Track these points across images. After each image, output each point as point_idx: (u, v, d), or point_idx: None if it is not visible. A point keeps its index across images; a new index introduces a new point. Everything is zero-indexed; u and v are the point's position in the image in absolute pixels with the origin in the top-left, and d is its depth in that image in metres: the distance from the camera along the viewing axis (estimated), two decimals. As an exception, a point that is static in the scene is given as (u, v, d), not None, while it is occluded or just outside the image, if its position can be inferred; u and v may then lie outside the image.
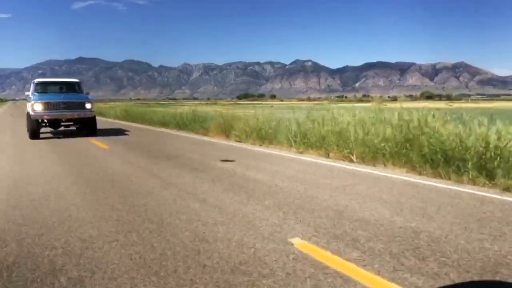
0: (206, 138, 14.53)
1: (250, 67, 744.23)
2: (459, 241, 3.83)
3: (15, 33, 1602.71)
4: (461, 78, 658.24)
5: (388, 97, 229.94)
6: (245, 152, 10.72)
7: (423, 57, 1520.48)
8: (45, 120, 14.17)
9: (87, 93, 16.44)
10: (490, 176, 6.19)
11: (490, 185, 6.17)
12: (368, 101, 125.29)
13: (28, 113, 14.43)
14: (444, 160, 6.82)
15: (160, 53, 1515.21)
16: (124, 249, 3.66)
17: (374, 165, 8.18)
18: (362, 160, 8.53)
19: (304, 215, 4.79)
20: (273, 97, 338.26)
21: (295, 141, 10.45)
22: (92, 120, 14.91)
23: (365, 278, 3.07)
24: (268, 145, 11.80)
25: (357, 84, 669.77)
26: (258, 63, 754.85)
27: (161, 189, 6.15)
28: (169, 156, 9.87)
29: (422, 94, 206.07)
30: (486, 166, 6.25)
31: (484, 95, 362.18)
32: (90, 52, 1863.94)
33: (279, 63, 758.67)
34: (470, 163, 6.39)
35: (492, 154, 6.29)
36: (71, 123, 14.85)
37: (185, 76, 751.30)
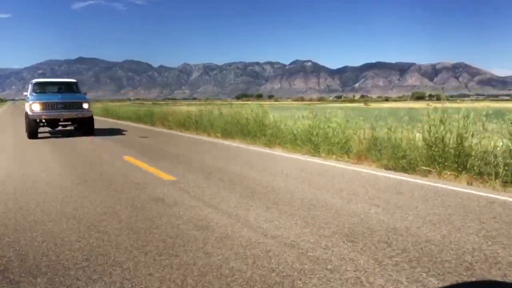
0: (148, 127, 19.71)
1: (250, 67, 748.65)
2: (212, 163, 8.26)
3: (15, 33, 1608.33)
4: (460, 79, 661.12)
5: (387, 97, 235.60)
6: (161, 134, 16.04)
7: (423, 57, 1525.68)
8: (43, 120, 14.40)
9: (85, 93, 16.75)
10: (269, 141, 11.17)
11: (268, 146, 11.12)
12: (364, 102, 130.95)
13: (26, 113, 14.48)
14: (254, 134, 11.81)
15: (160, 53, 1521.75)
16: (70, 167, 7.90)
17: (226, 139, 13.17)
18: (223, 137, 13.53)
19: (142, 151, 9.85)
20: (271, 97, 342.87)
21: (195, 128, 15.52)
22: (90, 120, 15.13)
23: (148, 168, 7.61)
24: (183, 131, 16.78)
25: (356, 85, 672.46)
26: (257, 63, 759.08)
27: (95, 150, 11.06)
28: (112, 136, 14.87)
29: (413, 95, 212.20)
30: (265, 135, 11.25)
31: (483, 95, 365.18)
32: (90, 52, 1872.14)
33: (278, 63, 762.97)
34: (258, 134, 11.43)
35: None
36: (69, 122, 15.08)
37: (185, 76, 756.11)
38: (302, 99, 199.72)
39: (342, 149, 8.24)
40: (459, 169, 6.21)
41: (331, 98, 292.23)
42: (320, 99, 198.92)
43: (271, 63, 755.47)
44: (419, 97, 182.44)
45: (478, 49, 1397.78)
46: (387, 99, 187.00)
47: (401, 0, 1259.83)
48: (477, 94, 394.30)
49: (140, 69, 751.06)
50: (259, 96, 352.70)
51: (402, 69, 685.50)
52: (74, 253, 3.35)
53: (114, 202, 5.11)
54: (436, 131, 6.51)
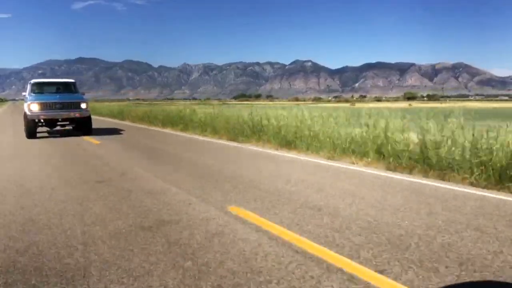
0: (117, 121, 25.00)
1: (250, 68, 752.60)
2: (131, 138, 13.71)
3: (15, 33, 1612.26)
4: (460, 79, 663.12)
5: (379, 98, 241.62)
6: (119, 124, 21.52)
7: (423, 58, 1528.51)
8: (42, 120, 14.64)
9: (83, 93, 16.90)
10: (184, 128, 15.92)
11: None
12: (351, 102, 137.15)
13: (25, 113, 14.64)
14: (177, 124, 16.49)
15: (160, 53, 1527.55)
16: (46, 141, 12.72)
17: (163, 128, 17.91)
18: (161, 126, 18.21)
19: (98, 133, 14.66)
20: (269, 97, 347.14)
21: (148, 121, 20.34)
22: (88, 119, 15.37)
23: (89, 139, 13.33)
24: (140, 123, 21.86)
25: (356, 85, 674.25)
26: (257, 63, 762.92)
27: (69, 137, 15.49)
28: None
29: (405, 95, 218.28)
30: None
31: (483, 95, 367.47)
32: (90, 52, 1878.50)
33: (278, 63, 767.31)
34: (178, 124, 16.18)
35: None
36: (67, 122, 15.34)
37: (184, 76, 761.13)
38: (296, 99, 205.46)
39: (215, 130, 12.94)
40: (257, 138, 10.88)
41: (330, 98, 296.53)
42: (314, 99, 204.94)
43: (271, 63, 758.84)
44: (411, 97, 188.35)
45: (478, 49, 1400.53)
46: (379, 100, 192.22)
47: (401, 0, 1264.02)
48: (477, 94, 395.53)
49: (140, 69, 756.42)
50: (258, 96, 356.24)
51: (402, 69, 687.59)
52: (39, 166, 8.62)
53: (63, 151, 10.48)
54: (253, 117, 11.23)
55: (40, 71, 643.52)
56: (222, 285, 2.85)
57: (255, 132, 10.94)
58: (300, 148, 9.50)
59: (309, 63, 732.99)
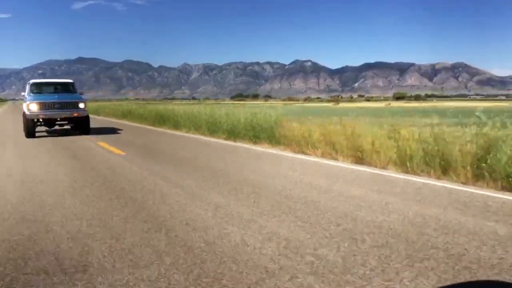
0: (92, 115, 28.75)
1: (249, 67, 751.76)
2: (95, 126, 17.25)
3: (15, 33, 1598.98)
4: (460, 78, 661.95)
5: (383, 97, 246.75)
6: (98, 119, 24.77)
7: (423, 57, 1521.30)
8: (40, 120, 14.97)
9: (81, 93, 17.21)
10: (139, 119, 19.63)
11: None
12: (334, 102, 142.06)
13: (24, 113, 14.87)
14: (134, 117, 20.07)
15: (160, 53, 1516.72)
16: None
17: (120, 119, 22.38)
18: (121, 118, 22.04)
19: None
20: (267, 97, 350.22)
21: (113, 115, 24.08)
22: (86, 119, 15.69)
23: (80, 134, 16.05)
24: (111, 117, 26.96)
25: (356, 84, 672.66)
26: (257, 63, 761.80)
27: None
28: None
29: (394, 95, 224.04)
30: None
31: (483, 95, 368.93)
32: (90, 52, 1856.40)
33: (278, 63, 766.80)
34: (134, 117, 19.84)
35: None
36: (66, 122, 15.72)
37: (184, 76, 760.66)
38: (289, 99, 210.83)
39: (146, 119, 16.88)
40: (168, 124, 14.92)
41: (328, 98, 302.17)
42: (306, 99, 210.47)
43: (270, 63, 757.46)
44: (399, 97, 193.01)
45: (477, 49, 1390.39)
46: (368, 100, 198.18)
47: (401, 0, 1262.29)
48: (477, 94, 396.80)
49: (140, 69, 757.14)
50: (255, 96, 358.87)
51: (402, 69, 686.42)
52: (38, 151, 13.70)
53: (52, 143, 15.25)
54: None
55: (40, 71, 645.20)
56: (90, 163, 7.63)
57: (165, 120, 15.25)
58: (183, 128, 15.03)
59: (309, 63, 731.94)
